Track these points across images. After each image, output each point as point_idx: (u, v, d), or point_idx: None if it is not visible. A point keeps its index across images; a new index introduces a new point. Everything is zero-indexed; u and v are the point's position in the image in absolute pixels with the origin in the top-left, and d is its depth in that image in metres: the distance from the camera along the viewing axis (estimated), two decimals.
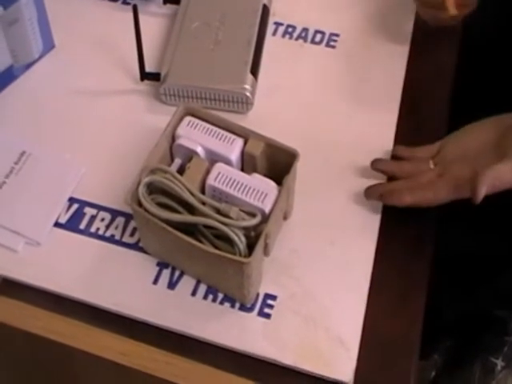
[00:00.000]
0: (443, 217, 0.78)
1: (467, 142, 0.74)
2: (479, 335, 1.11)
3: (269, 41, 0.89)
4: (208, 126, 0.73)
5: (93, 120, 0.83)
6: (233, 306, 0.69)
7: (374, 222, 0.74)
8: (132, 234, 0.74)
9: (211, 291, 0.70)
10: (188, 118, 0.73)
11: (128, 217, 0.75)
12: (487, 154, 0.71)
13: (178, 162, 0.73)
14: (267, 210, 0.67)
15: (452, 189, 0.71)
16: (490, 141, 0.72)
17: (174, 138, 0.73)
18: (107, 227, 0.74)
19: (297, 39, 0.91)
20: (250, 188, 0.68)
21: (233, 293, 0.69)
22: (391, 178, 0.76)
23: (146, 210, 0.67)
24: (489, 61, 0.76)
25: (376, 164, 0.77)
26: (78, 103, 0.84)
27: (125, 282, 0.71)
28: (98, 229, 0.74)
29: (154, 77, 0.84)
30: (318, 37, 0.90)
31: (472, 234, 0.92)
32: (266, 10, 0.90)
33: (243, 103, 0.82)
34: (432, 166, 0.74)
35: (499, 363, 1.07)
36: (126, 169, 0.74)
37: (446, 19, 0.85)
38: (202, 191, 0.70)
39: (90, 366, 0.71)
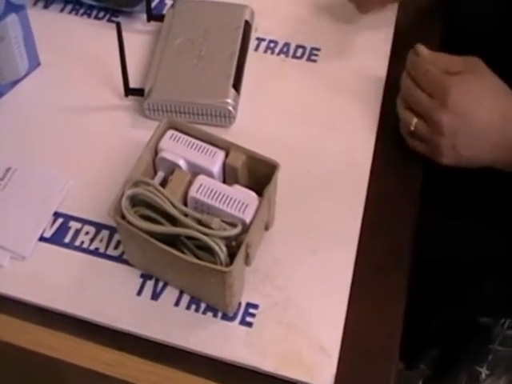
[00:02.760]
0: (424, 223, 0.79)
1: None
2: (464, 344, 1.12)
3: (251, 56, 0.91)
4: (190, 139, 0.74)
5: (78, 135, 0.84)
6: (215, 316, 0.70)
7: (354, 230, 0.76)
8: (116, 247, 0.75)
9: (194, 301, 0.71)
10: (170, 132, 0.75)
11: (112, 230, 0.76)
12: None
13: (160, 174, 0.74)
14: (248, 220, 0.68)
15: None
16: None
17: (156, 152, 0.74)
18: (92, 240, 0.75)
19: (278, 54, 0.92)
20: (231, 199, 0.69)
21: (215, 302, 0.70)
22: None
23: (129, 222, 0.68)
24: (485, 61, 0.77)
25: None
26: (63, 119, 0.86)
27: (109, 294, 0.72)
28: (82, 242, 0.75)
29: (138, 92, 0.86)
30: (300, 51, 0.92)
31: (455, 241, 0.93)
32: (248, 26, 0.91)
33: (226, 117, 0.83)
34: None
35: (484, 371, 1.08)
36: (111, 183, 0.75)
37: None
38: (185, 203, 0.71)
39: (76, 377, 0.72)
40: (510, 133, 0.75)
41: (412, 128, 0.77)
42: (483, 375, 1.10)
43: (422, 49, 0.80)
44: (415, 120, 0.76)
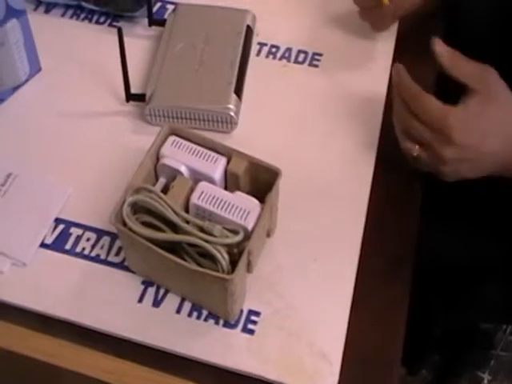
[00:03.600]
0: (426, 232, 0.79)
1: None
2: (466, 350, 1.12)
3: (253, 61, 0.90)
4: (192, 145, 0.74)
5: (79, 141, 0.84)
6: (217, 323, 0.70)
7: (355, 237, 0.75)
8: (117, 254, 0.75)
9: (196, 308, 0.71)
10: (172, 138, 0.74)
11: (113, 236, 0.75)
12: None
13: (162, 181, 0.74)
14: (250, 228, 0.68)
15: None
16: None
17: (158, 158, 0.74)
18: (93, 247, 0.75)
19: (280, 59, 0.92)
20: (232, 206, 0.69)
21: (217, 310, 0.70)
22: None
23: (130, 229, 0.67)
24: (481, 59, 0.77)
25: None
26: (64, 125, 0.85)
27: (110, 301, 0.71)
28: (83, 248, 0.75)
29: (140, 98, 0.86)
30: (301, 56, 0.92)
31: (456, 248, 0.93)
32: (249, 31, 0.91)
33: (227, 123, 0.83)
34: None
35: (486, 377, 1.08)
36: (112, 189, 0.75)
37: (383, 15, 0.86)
38: (186, 210, 0.71)
39: None
40: None
41: (415, 154, 0.76)
42: (485, 381, 1.10)
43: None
44: (417, 148, 0.75)
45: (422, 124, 0.73)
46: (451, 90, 0.75)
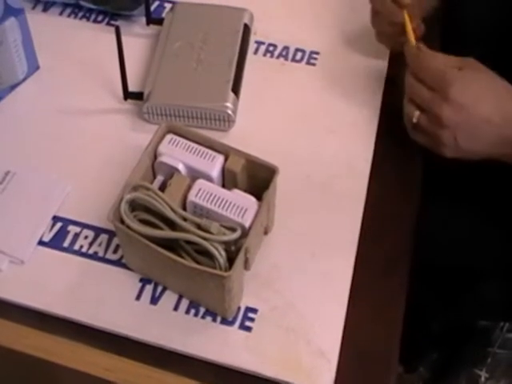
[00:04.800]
0: (423, 228, 0.79)
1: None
2: (463, 347, 1.12)
3: (250, 59, 0.91)
4: (189, 143, 0.74)
5: (77, 139, 0.84)
6: (214, 320, 0.70)
7: (353, 234, 0.76)
8: (115, 251, 0.75)
9: (193, 306, 0.71)
10: (169, 136, 0.75)
11: (111, 234, 0.76)
12: None
13: (159, 179, 0.74)
14: (247, 225, 0.68)
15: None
16: None
17: (156, 156, 0.74)
18: (90, 244, 0.75)
19: (278, 57, 0.92)
20: (230, 203, 0.69)
21: (214, 307, 0.70)
22: None
23: (128, 226, 0.68)
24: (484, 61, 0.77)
25: None
26: (62, 123, 0.86)
27: (108, 298, 0.72)
28: (81, 246, 0.75)
29: (137, 96, 0.86)
30: (299, 55, 0.92)
31: (454, 244, 0.93)
32: (247, 30, 0.91)
33: (225, 121, 0.83)
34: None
35: (483, 374, 1.08)
36: (110, 186, 0.75)
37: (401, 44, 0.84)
38: (184, 207, 0.71)
39: (75, 381, 0.71)
40: (509, 131, 0.75)
41: (415, 120, 0.77)
42: (482, 378, 1.10)
43: (421, 46, 0.80)
44: (417, 113, 0.77)
45: (422, 84, 0.76)
46: None
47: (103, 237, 0.76)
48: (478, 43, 0.93)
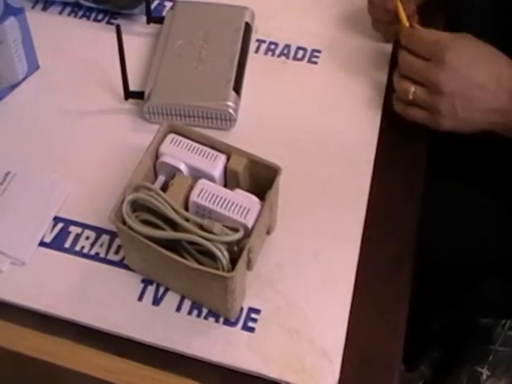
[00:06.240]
0: (425, 225, 0.79)
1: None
2: (465, 345, 1.12)
3: (251, 58, 0.90)
4: (191, 143, 0.74)
5: (78, 139, 0.84)
6: (217, 321, 0.70)
7: (356, 234, 0.75)
8: (117, 252, 0.74)
9: (196, 307, 0.71)
10: (171, 136, 0.74)
11: (113, 235, 0.75)
12: None
13: (161, 179, 0.74)
14: (250, 225, 0.68)
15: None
16: None
17: (157, 156, 0.74)
18: (92, 245, 0.75)
19: (279, 56, 0.92)
20: (232, 203, 0.69)
21: (217, 308, 0.70)
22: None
23: (129, 227, 0.67)
24: None
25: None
26: (62, 123, 0.85)
27: (110, 300, 0.71)
28: (82, 247, 0.75)
29: (138, 95, 0.85)
30: (300, 53, 0.92)
31: (455, 243, 0.93)
32: (248, 28, 0.91)
33: (226, 120, 0.83)
34: None
35: (484, 372, 1.08)
36: (111, 187, 0.75)
37: (397, 30, 0.86)
38: (186, 208, 0.71)
39: (77, 383, 0.71)
40: (504, 97, 0.76)
41: (410, 96, 0.78)
42: (484, 376, 1.10)
43: (415, 25, 0.82)
44: (413, 88, 0.77)
45: (416, 56, 0.77)
46: None
47: (105, 237, 0.75)
48: (480, 34, 0.93)
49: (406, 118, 0.80)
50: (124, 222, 0.68)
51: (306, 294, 0.71)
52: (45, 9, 0.96)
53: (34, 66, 0.89)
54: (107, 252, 0.74)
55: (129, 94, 0.86)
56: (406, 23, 0.83)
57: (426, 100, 0.77)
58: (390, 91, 0.86)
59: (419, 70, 0.77)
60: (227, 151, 0.73)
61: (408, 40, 0.79)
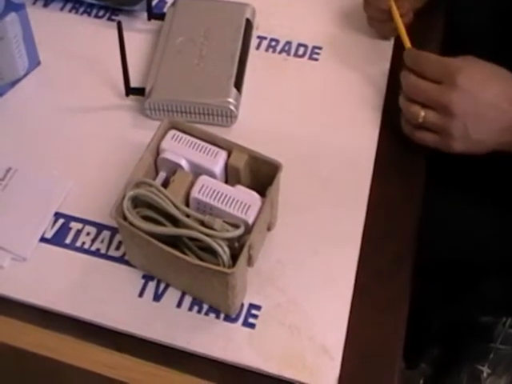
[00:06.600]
0: (425, 223, 0.79)
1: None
2: (465, 343, 1.12)
3: (252, 55, 0.90)
4: (192, 139, 0.74)
5: (79, 135, 0.84)
6: (218, 317, 0.70)
7: (356, 231, 0.75)
8: (117, 248, 0.74)
9: (196, 303, 0.71)
10: (172, 132, 0.74)
11: (113, 230, 0.75)
12: None
13: (162, 175, 0.74)
14: (250, 221, 0.68)
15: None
16: None
17: (158, 152, 0.74)
18: (93, 241, 0.75)
19: (280, 53, 0.92)
20: (233, 200, 0.69)
21: (217, 304, 0.70)
22: None
23: (130, 223, 0.67)
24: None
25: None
26: (63, 119, 0.85)
27: (111, 295, 0.71)
28: (83, 243, 0.75)
29: (139, 92, 0.85)
30: (301, 50, 0.92)
31: (456, 241, 0.93)
32: (249, 25, 0.91)
33: (227, 117, 0.83)
34: None
35: (485, 370, 1.08)
36: (112, 183, 0.75)
37: (393, 27, 0.86)
38: (187, 204, 0.71)
39: (78, 379, 0.71)
40: None
41: (420, 120, 0.76)
42: (484, 374, 1.10)
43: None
44: (423, 112, 0.76)
45: (425, 79, 0.76)
46: None
47: (105, 233, 0.76)
48: (480, 42, 0.93)
49: (416, 141, 0.79)
50: (125, 218, 0.68)
51: (306, 290, 0.71)
52: (46, 5, 0.96)
53: (34, 62, 0.89)
54: (108, 248, 0.74)
55: (130, 91, 0.86)
56: (408, 43, 0.82)
57: (437, 123, 0.76)
58: (390, 89, 0.86)
59: (429, 93, 0.76)
60: (228, 147, 0.73)
61: (414, 62, 0.78)
